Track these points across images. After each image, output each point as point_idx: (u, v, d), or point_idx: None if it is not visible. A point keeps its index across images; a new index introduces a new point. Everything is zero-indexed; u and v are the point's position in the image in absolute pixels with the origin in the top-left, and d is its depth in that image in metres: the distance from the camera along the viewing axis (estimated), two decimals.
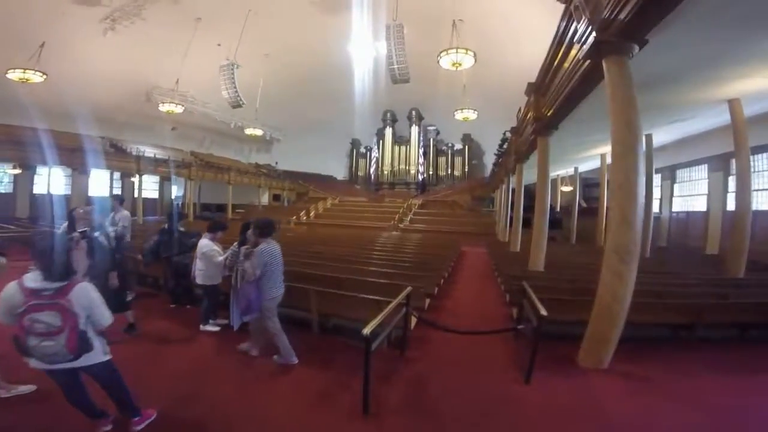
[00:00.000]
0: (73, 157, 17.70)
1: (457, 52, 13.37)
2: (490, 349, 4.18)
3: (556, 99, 6.15)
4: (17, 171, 18.03)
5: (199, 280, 4.53)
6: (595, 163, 14.84)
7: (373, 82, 21.15)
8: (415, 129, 30.53)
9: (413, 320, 4.17)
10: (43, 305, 2.05)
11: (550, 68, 6.57)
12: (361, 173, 33.09)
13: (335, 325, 4.58)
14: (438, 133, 31.15)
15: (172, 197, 24.19)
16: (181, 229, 5.46)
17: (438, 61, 13.58)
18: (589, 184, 18.35)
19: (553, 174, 13.61)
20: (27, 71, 13.26)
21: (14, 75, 13.26)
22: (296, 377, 3.48)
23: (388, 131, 31.13)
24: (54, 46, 14.38)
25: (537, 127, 7.37)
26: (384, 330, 3.22)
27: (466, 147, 30.69)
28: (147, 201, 21.65)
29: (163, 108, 18.26)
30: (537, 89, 7.60)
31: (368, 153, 32.93)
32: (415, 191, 29.19)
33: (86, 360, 2.23)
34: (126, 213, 6.18)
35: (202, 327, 4.48)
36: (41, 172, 18.58)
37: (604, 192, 13.21)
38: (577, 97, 5.56)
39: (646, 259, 8.16)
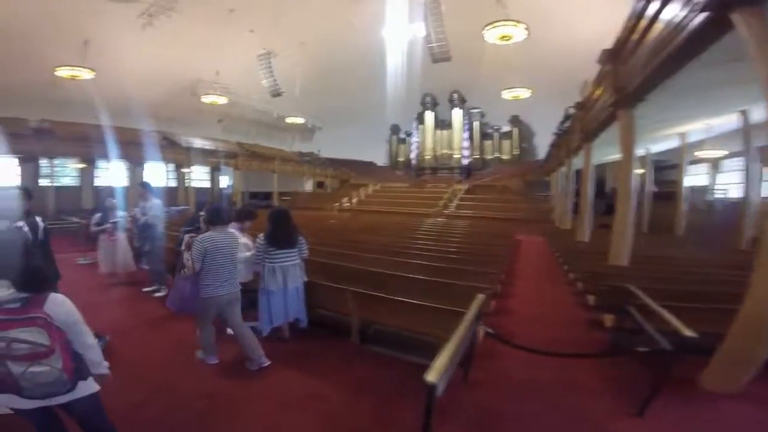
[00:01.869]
0: (129, 150, 18.59)
1: (505, 24, 12.20)
2: (579, 368, 3.36)
3: (646, 65, 5.04)
4: (81, 165, 19.30)
5: None
6: (668, 144, 13.07)
7: (411, 65, 20.24)
8: (457, 112, 29.12)
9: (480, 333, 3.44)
10: (13, 321, 1.55)
11: (633, 30, 5.45)
12: (401, 159, 32.27)
13: (377, 331, 3.95)
14: (483, 115, 29.52)
15: (222, 187, 25.04)
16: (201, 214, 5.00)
17: (483, 36, 12.51)
18: (660, 166, 16.32)
19: (617, 155, 12.08)
20: (76, 68, 13.79)
21: (63, 72, 13.82)
22: (330, 405, 2.82)
23: (429, 115, 30.00)
24: (99, 43, 14.78)
25: (619, 98, 6.21)
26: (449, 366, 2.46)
27: (515, 129, 28.82)
28: (199, 190, 22.60)
29: (207, 100, 18.72)
30: (615, 56, 6.44)
31: (408, 138, 31.98)
32: (459, 176, 27.93)
33: (77, 391, 1.73)
34: (157, 201, 5.70)
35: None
36: (103, 165, 19.72)
37: (683, 175, 11.64)
38: (680, 60, 4.44)
39: None
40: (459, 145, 29.07)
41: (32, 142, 16.60)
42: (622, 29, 6.00)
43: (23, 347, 1.54)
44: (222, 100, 19.02)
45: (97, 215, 5.75)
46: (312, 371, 3.29)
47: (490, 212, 16.51)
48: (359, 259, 5.55)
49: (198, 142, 23.81)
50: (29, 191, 3.20)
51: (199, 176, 23.65)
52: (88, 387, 1.79)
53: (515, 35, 12.38)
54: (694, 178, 15.67)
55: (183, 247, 3.33)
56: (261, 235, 3.72)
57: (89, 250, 6.37)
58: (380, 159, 33.49)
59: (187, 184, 22.04)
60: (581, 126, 10.11)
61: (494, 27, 12.16)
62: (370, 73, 22.10)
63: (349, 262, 5.23)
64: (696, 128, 9.96)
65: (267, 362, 3.31)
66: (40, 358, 1.57)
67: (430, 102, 29.68)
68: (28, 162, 17.07)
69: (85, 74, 14.01)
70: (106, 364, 1.85)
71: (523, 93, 17.56)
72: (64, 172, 19.35)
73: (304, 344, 3.81)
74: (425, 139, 30.08)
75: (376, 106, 26.29)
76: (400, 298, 3.55)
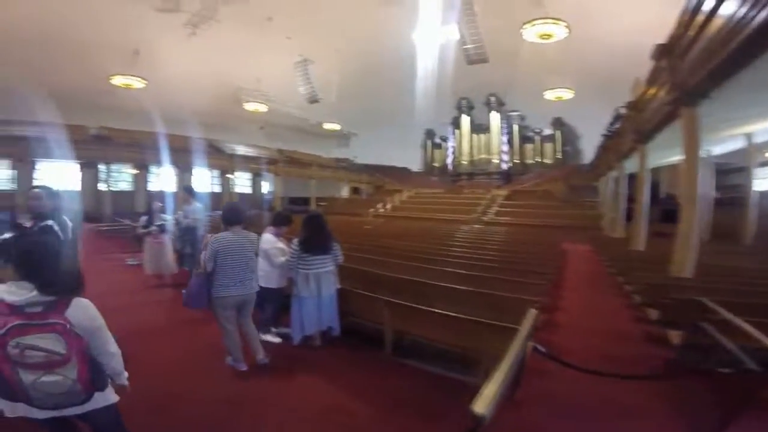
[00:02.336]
0: (178, 157, 19.66)
1: (545, 22, 11.72)
2: (637, 388, 2.97)
3: (709, 59, 4.54)
4: (135, 171, 20.66)
5: (262, 283, 3.80)
6: (732, 145, 11.89)
7: (446, 69, 19.87)
8: (495, 115, 28.29)
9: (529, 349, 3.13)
10: (31, 326, 1.45)
11: (689, 24, 4.99)
12: (436, 164, 31.70)
13: (412, 342, 3.72)
14: (523, 118, 28.53)
15: (263, 192, 25.88)
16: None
17: (521, 35, 12.07)
18: (722, 169, 14.88)
19: (673, 158, 11.06)
20: (129, 77, 14.76)
21: (118, 81, 14.83)
22: (357, 421, 2.64)
23: (465, 119, 29.36)
24: (148, 53, 15.69)
25: (679, 95, 5.65)
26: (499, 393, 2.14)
27: (557, 132, 27.57)
28: (242, 195, 23.53)
29: (249, 107, 19.47)
30: (670, 50, 5.92)
31: (444, 143, 31.41)
32: (498, 181, 27.08)
33: (93, 402, 1.62)
34: (198, 205, 5.90)
35: (261, 336, 3.85)
36: (155, 171, 20.96)
37: (751, 179, 10.52)
38: (750, 54, 3.94)
39: None
40: (497, 150, 28.22)
41: (92, 149, 17.96)
42: (678, 23, 5.56)
43: (38, 355, 1.44)
44: (263, 108, 19.71)
45: (144, 218, 6.00)
46: (341, 383, 3.14)
47: (532, 219, 15.77)
48: (394, 266, 5.37)
49: (241, 149, 24.83)
50: (55, 191, 3.23)
51: (242, 182, 24.62)
52: (106, 398, 1.68)
53: (556, 33, 11.86)
54: (764, 182, 14.16)
55: (201, 246, 3.34)
56: (295, 241, 3.65)
57: (137, 251, 6.65)
58: (415, 165, 33.16)
59: (231, 190, 23.00)
60: (634, 126, 9.40)
61: (533, 25, 11.70)
62: (404, 78, 21.93)
63: (384, 269, 5.06)
64: (764, 128, 8.96)
65: (244, 367, 3.25)
66: (54, 367, 1.47)
67: (465, 106, 29.07)
68: (89, 167, 18.48)
69: (137, 83, 14.99)
70: (126, 374, 1.77)
71: (566, 94, 16.78)
72: (120, 177, 20.78)
73: (335, 354, 3.68)
74: (461, 144, 29.46)
75: (410, 111, 26.10)
76: (439, 311, 3.31)
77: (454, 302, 3.71)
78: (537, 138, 28.28)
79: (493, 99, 27.88)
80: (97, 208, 17.97)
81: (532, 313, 2.71)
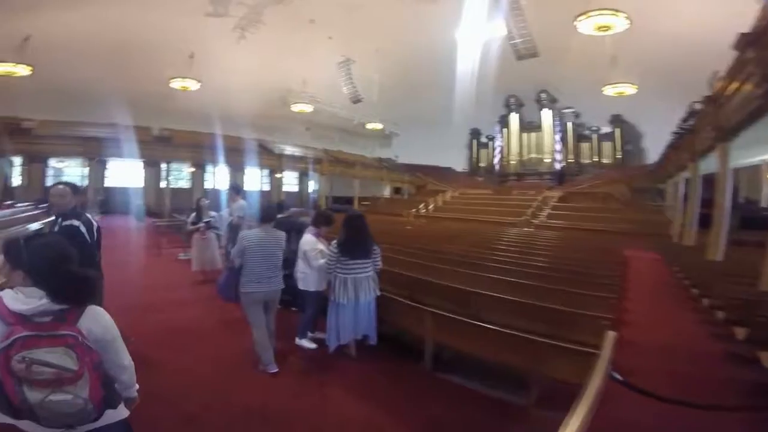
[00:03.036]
0: (231, 156, 20.64)
1: (602, 13, 10.79)
2: (728, 421, 2.48)
3: None
4: (193, 169, 21.94)
5: (300, 285, 3.77)
6: None
7: (491, 66, 19.20)
8: (547, 113, 26.78)
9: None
10: (39, 338, 1.29)
11: None
12: (482, 164, 30.62)
13: (454, 355, 3.37)
14: (577, 115, 26.75)
15: (310, 191, 26.55)
16: (280, 216, 4.76)
17: (576, 28, 11.26)
18: None
19: (755, 159, 9.62)
20: (185, 79, 15.59)
21: (176, 84, 15.69)
22: None
23: (513, 118, 28.10)
24: (202, 57, 16.46)
25: None
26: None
27: (617, 129, 25.56)
28: (289, 194, 24.25)
29: (296, 108, 20.03)
30: (758, 40, 5.24)
31: (490, 142, 30.26)
32: (550, 182, 25.60)
33: (104, 419, 1.45)
34: (242, 203, 5.91)
35: (297, 341, 3.78)
36: (210, 170, 22.15)
37: None
38: None
39: None
40: (550, 149, 26.71)
41: (154, 148, 19.29)
42: (763, 11, 4.99)
43: (46, 371, 1.28)
44: (309, 108, 20.17)
45: (192, 215, 6.18)
46: (376, 398, 2.91)
47: (590, 223, 14.56)
48: (438, 271, 5.05)
49: (289, 149, 25.60)
50: (77, 187, 3.11)
51: (289, 181, 25.39)
52: (117, 414, 1.53)
53: (615, 25, 10.96)
54: None
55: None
56: (334, 243, 3.46)
57: (188, 246, 6.88)
58: (459, 164, 32.30)
59: (279, 189, 23.81)
60: (713, 123, 8.31)
61: (588, 17, 10.84)
62: (447, 76, 21.44)
63: (427, 274, 4.76)
64: None
65: (274, 369, 3.20)
66: (64, 385, 1.31)
67: (514, 103, 27.84)
68: (151, 165, 19.89)
69: (193, 85, 15.85)
70: (137, 387, 1.63)
71: (629, 89, 15.45)
72: (180, 176, 22.17)
73: (370, 365, 3.46)
74: (510, 143, 28.26)
75: (454, 110, 25.59)
76: (493, 327, 2.98)
77: (505, 314, 3.37)
78: (594, 136, 26.43)
79: (544, 96, 26.48)
80: (158, 204, 19.27)
81: (611, 335, 2.31)
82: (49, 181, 18.70)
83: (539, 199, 19.49)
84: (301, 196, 25.92)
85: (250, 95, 19.93)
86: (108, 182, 19.97)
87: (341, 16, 16.15)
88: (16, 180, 17.86)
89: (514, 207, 18.23)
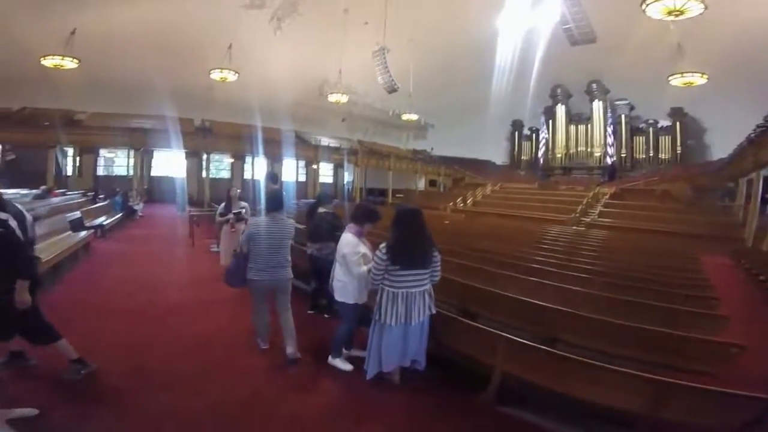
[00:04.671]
0: (269, 147, 20.73)
1: None
2: None
3: None
4: (232, 160, 22.34)
5: (336, 295, 3.12)
6: None
7: (535, 55, 18.63)
8: (598, 104, 25.06)
9: None
10: None
11: None
12: (525, 157, 29.34)
13: (521, 383, 2.71)
14: (632, 108, 24.81)
15: (345, 182, 26.50)
16: (322, 210, 4.19)
17: (644, 11, 10.19)
18: None
19: None
20: (224, 70, 15.60)
21: (215, 75, 15.77)
22: None
23: (560, 109, 26.50)
24: (240, 49, 16.39)
25: None
26: None
27: (677, 123, 23.39)
28: (324, 185, 24.21)
29: (332, 99, 19.76)
30: None
31: (534, 135, 28.89)
32: (600, 177, 23.90)
33: None
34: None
35: (330, 359, 3.22)
36: (249, 161, 22.43)
37: None
38: None
39: None
40: (600, 142, 24.99)
41: (196, 140, 19.66)
42: None
43: None
44: (344, 99, 19.86)
45: (221, 205, 5.84)
46: None
47: (648, 223, 13.14)
48: (491, 276, 4.41)
49: (325, 140, 25.52)
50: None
51: (324, 172, 25.35)
52: None
53: (690, 10, 9.79)
54: None
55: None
56: (382, 247, 2.71)
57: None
58: (499, 157, 31.15)
59: (315, 180, 23.83)
60: None
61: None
62: (488, 65, 20.78)
63: (480, 279, 4.13)
64: None
65: (264, 345, 3.34)
66: None
67: (561, 94, 26.29)
68: (193, 156, 20.35)
69: (231, 76, 15.88)
70: None
71: (698, 79, 13.85)
72: (220, 166, 22.62)
73: (418, 396, 2.85)
74: (556, 136, 26.75)
75: (494, 101, 24.73)
76: (589, 361, 2.32)
77: (587, 335, 2.70)
78: (650, 130, 24.39)
79: (594, 86, 24.81)
80: (200, 193, 19.72)
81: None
82: (101, 171, 19.74)
83: (589, 195, 18.05)
84: (336, 187, 25.83)
85: (287, 86, 19.86)
86: (153, 172, 20.69)
87: (376, 4, 15.62)
88: (69, 170, 18.84)
89: (561, 203, 16.97)
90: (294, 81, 19.89)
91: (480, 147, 29.65)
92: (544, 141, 27.68)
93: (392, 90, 19.75)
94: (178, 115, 18.31)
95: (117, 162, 20.56)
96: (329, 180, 26.51)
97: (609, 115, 24.80)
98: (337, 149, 24.82)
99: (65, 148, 18.26)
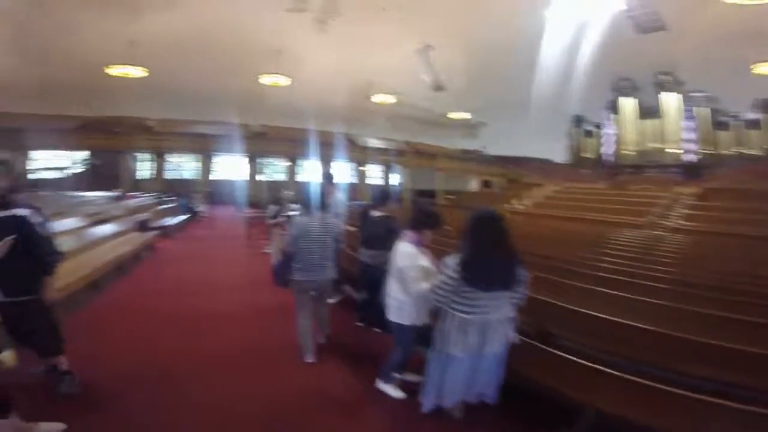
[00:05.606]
0: (320, 150, 21.11)
1: None
2: None
3: None
4: (287, 163, 23.09)
5: (390, 315, 2.67)
6: None
7: (596, 46, 17.34)
8: (671, 97, 22.72)
9: None
10: None
11: None
12: (588, 155, 27.17)
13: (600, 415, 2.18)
14: (711, 100, 22.25)
15: (393, 183, 26.41)
16: (376, 213, 3.77)
17: None
18: None
19: None
20: (275, 75, 16.00)
21: (267, 80, 16.18)
22: None
23: (627, 102, 24.39)
24: (289, 53, 16.72)
25: None
26: None
27: (766, 116, 20.56)
28: (373, 187, 24.22)
29: (376, 99, 19.68)
30: None
31: (597, 130, 26.84)
32: (678, 176, 21.46)
33: None
34: (339, 196, 4.84)
35: (380, 384, 2.82)
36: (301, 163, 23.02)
37: None
38: None
39: None
40: (676, 137, 22.55)
41: (253, 144, 20.56)
42: None
43: None
44: (390, 99, 19.72)
45: (273, 207, 5.74)
46: None
47: (748, 228, 11.29)
48: (565, 289, 3.80)
49: (373, 142, 25.57)
50: (8, 164, 2.54)
51: (373, 174, 25.41)
52: None
53: None
54: None
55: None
56: (451, 260, 2.16)
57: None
58: (559, 156, 29.23)
59: (364, 181, 23.98)
60: None
61: None
62: (541, 59, 19.57)
63: (555, 292, 3.55)
64: None
65: (310, 359, 3.18)
66: None
67: (627, 86, 24.18)
68: (250, 160, 21.28)
69: (282, 81, 16.28)
70: None
71: None
72: (275, 169, 23.47)
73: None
74: (624, 131, 24.59)
75: (550, 96, 23.32)
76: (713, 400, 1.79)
77: (691, 361, 2.11)
78: (735, 124, 21.67)
79: (666, 77, 22.49)
80: (256, 196, 20.58)
81: None
82: (169, 175, 21.27)
83: (667, 196, 16.13)
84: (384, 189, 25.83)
85: (334, 88, 20.11)
86: (215, 175, 21.94)
87: (417, 1, 15.30)
88: (142, 173, 20.53)
89: (633, 205, 15.30)
90: (340, 82, 20.07)
91: (537, 145, 28.05)
92: (609, 137, 25.65)
93: (439, 88, 19.25)
94: (236, 120, 19.26)
95: (183, 166, 22.05)
96: (378, 182, 26.51)
97: (687, 108, 22.37)
98: (384, 150, 24.76)
99: (137, 153, 19.92)
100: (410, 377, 2.83)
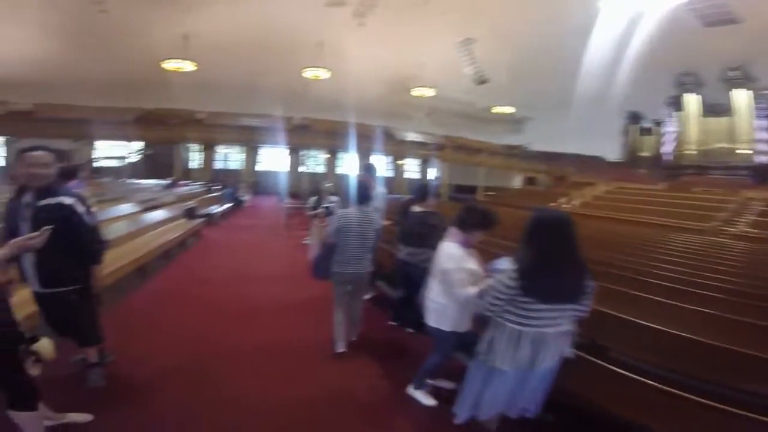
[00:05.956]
0: (359, 143, 21.24)
1: None
2: None
3: None
4: (327, 155, 23.42)
5: (430, 320, 2.46)
6: None
7: (655, 39, 16.15)
8: (741, 93, 20.63)
9: None
10: None
11: None
12: (645, 153, 25.67)
13: None
14: None
15: (431, 178, 26.09)
16: (417, 209, 3.56)
17: None
18: None
19: None
20: (316, 68, 16.19)
21: (309, 73, 16.51)
22: None
23: (691, 99, 22.46)
24: (329, 46, 16.71)
25: None
26: None
27: None
28: (410, 181, 24.06)
29: (416, 93, 19.37)
30: None
31: (656, 128, 25.23)
32: (747, 178, 19.48)
33: None
34: (381, 190, 4.54)
35: (410, 390, 2.64)
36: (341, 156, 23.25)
37: None
38: None
39: None
40: (747, 137, 20.52)
41: (295, 136, 21.01)
42: None
43: None
44: (429, 93, 19.36)
45: (312, 198, 5.74)
46: None
47: None
48: (626, 299, 3.46)
49: (411, 136, 25.34)
50: (62, 152, 2.37)
51: (409, 168, 25.17)
52: None
53: None
54: None
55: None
56: (507, 265, 1.96)
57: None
58: (611, 153, 27.57)
59: (401, 175, 23.83)
60: None
61: None
62: (592, 52, 18.48)
63: (613, 302, 3.23)
64: None
65: (341, 348, 3.22)
66: None
67: (691, 82, 22.25)
68: (292, 152, 21.77)
69: (323, 74, 16.41)
70: None
71: None
72: (316, 161, 23.89)
73: None
74: (687, 129, 22.73)
75: (603, 91, 21.97)
76: None
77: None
78: None
79: (734, 73, 20.36)
80: (297, 187, 21.10)
81: None
82: (218, 165, 22.27)
83: (736, 200, 14.62)
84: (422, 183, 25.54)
85: (374, 81, 20.02)
86: (260, 166, 22.69)
87: None
88: (192, 163, 21.65)
89: (695, 209, 13.98)
90: (379, 76, 19.96)
91: (587, 142, 26.53)
92: (670, 135, 23.78)
93: (481, 82, 18.60)
94: (279, 113, 19.74)
95: (231, 157, 22.99)
96: (415, 176, 26.26)
97: (761, 104, 20.21)
98: (423, 144, 24.43)
99: (189, 145, 21.01)
100: (444, 384, 2.67)
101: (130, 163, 19.78)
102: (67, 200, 2.13)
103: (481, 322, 2.19)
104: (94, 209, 4.79)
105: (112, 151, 19.87)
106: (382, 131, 23.70)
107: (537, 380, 2.04)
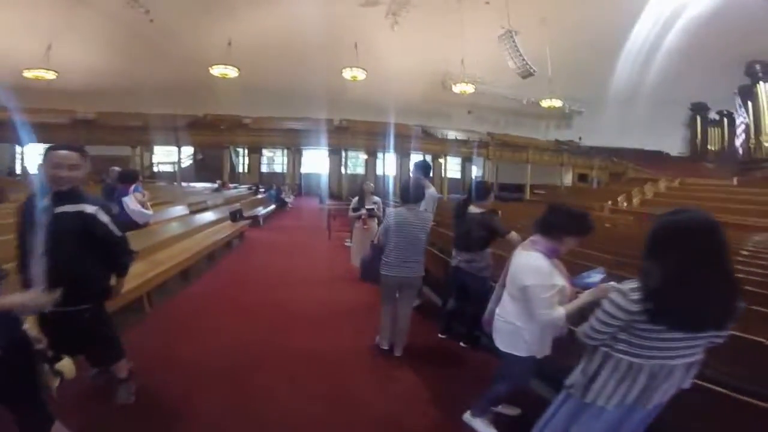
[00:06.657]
0: (398, 143, 21.07)
1: None
2: None
3: None
4: (366, 156, 23.41)
5: (501, 343, 2.01)
6: None
7: (714, 26, 15.46)
8: None
9: None
10: None
11: None
12: (712, 147, 23.99)
13: None
14: None
15: (473, 177, 25.29)
16: (474, 209, 3.17)
17: None
18: None
19: None
20: (354, 69, 16.07)
21: (347, 74, 16.61)
22: None
23: (764, 87, 20.33)
24: (365, 47, 16.71)
25: None
26: None
27: None
28: (451, 180, 23.45)
29: (456, 89, 18.80)
30: None
31: (725, 120, 23.48)
32: None
33: None
34: (431, 192, 4.02)
35: (468, 417, 2.25)
36: (380, 157, 23.16)
37: None
38: None
39: None
40: None
41: (335, 138, 21.18)
42: None
43: None
44: (470, 89, 18.77)
45: (355, 199, 5.51)
46: None
47: None
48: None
49: (451, 134, 24.72)
50: (84, 151, 2.02)
51: (450, 166, 24.53)
52: None
53: None
54: None
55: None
56: (630, 291, 1.35)
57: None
58: (672, 147, 25.53)
59: (442, 175, 23.32)
60: None
61: None
62: (649, 40, 17.76)
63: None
64: None
65: (385, 346, 3.12)
66: None
67: (762, 71, 20.35)
68: (333, 154, 21.97)
69: (360, 74, 16.32)
70: None
71: None
72: (356, 162, 23.95)
73: None
74: (761, 120, 20.61)
75: (662, 81, 20.40)
76: None
77: None
78: None
79: None
80: (338, 188, 21.24)
81: None
82: (264, 168, 22.96)
83: None
84: (463, 182, 24.74)
85: (411, 81, 19.78)
86: (303, 168, 23.15)
87: None
88: (240, 167, 22.51)
89: None
90: (417, 75, 19.67)
91: (646, 135, 24.65)
92: (742, 127, 21.53)
93: (527, 75, 17.64)
94: (321, 116, 20.00)
95: (276, 160, 23.65)
96: (456, 175, 25.57)
97: None
98: (465, 142, 23.78)
99: (237, 148, 21.85)
100: (507, 410, 2.31)
101: (183, 167, 20.92)
102: (89, 209, 1.89)
103: (565, 346, 1.79)
104: (150, 211, 4.98)
105: (166, 156, 21.11)
106: (422, 130, 23.33)
107: (640, 420, 1.57)
